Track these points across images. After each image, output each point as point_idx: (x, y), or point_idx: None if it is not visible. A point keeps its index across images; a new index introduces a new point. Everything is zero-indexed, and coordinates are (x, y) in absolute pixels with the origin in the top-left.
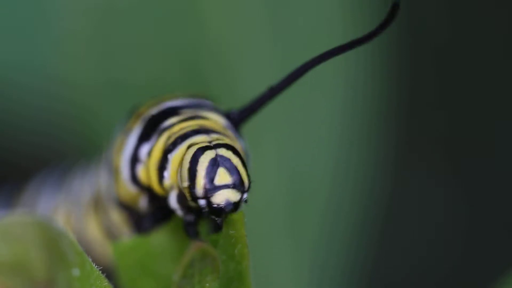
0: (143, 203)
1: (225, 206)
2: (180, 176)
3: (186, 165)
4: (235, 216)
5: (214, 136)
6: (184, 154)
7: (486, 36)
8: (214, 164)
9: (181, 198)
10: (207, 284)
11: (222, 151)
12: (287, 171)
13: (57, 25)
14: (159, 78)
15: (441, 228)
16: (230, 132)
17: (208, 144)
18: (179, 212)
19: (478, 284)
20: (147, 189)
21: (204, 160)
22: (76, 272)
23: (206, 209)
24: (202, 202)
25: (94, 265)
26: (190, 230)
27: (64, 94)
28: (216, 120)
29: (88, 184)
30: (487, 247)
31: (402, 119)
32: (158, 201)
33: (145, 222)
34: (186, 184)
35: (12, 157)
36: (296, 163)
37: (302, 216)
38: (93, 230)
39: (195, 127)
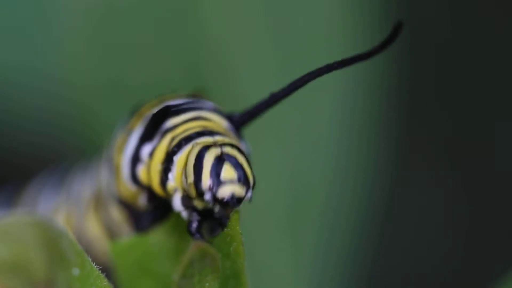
0: (142, 201)
1: (230, 200)
2: (186, 173)
3: (192, 161)
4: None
5: (218, 137)
6: (189, 153)
7: (486, 36)
8: (220, 160)
9: (185, 200)
10: (207, 284)
11: (227, 149)
12: (287, 171)
13: (57, 25)
14: (159, 78)
15: (441, 228)
16: (232, 134)
17: (213, 142)
18: (184, 214)
19: (478, 284)
20: (146, 188)
21: (210, 156)
22: (76, 271)
23: (211, 203)
24: (207, 196)
25: (94, 264)
26: (193, 230)
27: (64, 94)
28: (218, 121)
29: (89, 182)
30: (487, 247)
31: (402, 119)
32: (157, 199)
33: (144, 220)
34: (191, 179)
35: (12, 157)
36: (296, 162)
37: (302, 216)
38: (94, 229)
39: (198, 129)
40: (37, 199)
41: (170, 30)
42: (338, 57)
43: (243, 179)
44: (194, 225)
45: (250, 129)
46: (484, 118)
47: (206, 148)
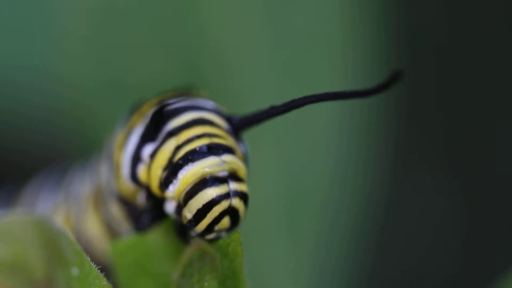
0: (141, 198)
1: (212, 239)
2: (187, 206)
3: (198, 204)
4: None
5: (226, 159)
6: (199, 185)
7: (486, 36)
8: (223, 214)
9: (179, 208)
10: (206, 283)
11: (236, 202)
12: (287, 170)
13: (57, 25)
14: (159, 78)
15: (441, 229)
16: (231, 139)
17: (226, 191)
18: (175, 216)
19: (478, 284)
20: (145, 187)
21: (217, 211)
22: (75, 271)
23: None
24: (193, 233)
25: (93, 264)
26: (180, 232)
27: (64, 93)
28: (219, 124)
29: (88, 179)
30: (487, 247)
31: (402, 119)
32: (156, 197)
33: (143, 218)
34: (189, 217)
35: (12, 156)
36: (296, 163)
37: (301, 217)
38: (93, 227)
39: (204, 141)
40: (36, 198)
41: (169, 30)
42: (336, 58)
43: (231, 229)
44: (182, 229)
45: (250, 129)
46: (484, 118)
47: (217, 199)
